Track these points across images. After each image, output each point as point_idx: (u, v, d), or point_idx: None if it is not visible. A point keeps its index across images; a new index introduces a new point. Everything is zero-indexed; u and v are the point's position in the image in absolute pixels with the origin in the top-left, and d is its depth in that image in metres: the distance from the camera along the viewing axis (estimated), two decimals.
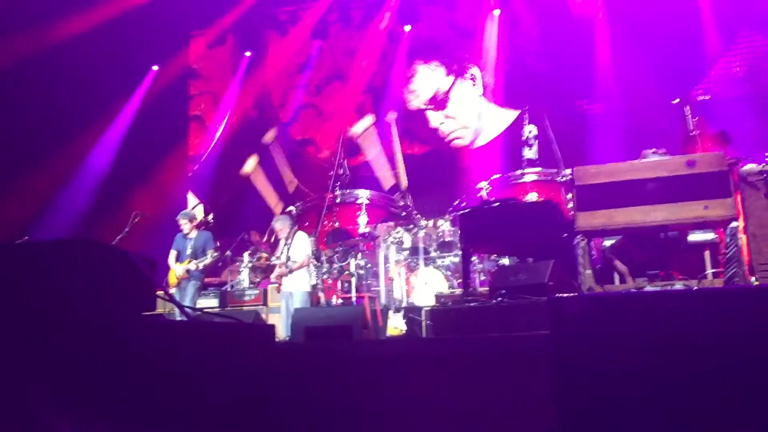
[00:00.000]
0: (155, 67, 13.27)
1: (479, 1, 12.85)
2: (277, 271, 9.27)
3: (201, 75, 14.46)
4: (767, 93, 10.55)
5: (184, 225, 9.28)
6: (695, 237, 6.45)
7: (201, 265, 9.09)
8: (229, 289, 10.59)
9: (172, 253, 9.28)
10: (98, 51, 11.32)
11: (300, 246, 9.03)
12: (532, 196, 8.58)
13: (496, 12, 12.64)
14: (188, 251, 9.16)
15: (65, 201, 11.43)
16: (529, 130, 9.09)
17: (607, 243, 6.62)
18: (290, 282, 8.92)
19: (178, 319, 7.48)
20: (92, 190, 11.94)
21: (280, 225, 9.36)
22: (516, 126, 10.75)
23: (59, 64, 10.89)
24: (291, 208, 10.84)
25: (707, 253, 6.26)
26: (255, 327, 4.13)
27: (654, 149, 6.77)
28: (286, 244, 9.02)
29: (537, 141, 9.05)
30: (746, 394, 2.36)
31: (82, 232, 11.07)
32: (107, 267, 2.56)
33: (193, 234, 9.30)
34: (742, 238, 5.13)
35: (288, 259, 8.83)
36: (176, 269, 9.11)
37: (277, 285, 9.25)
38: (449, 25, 13.40)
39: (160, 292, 2.83)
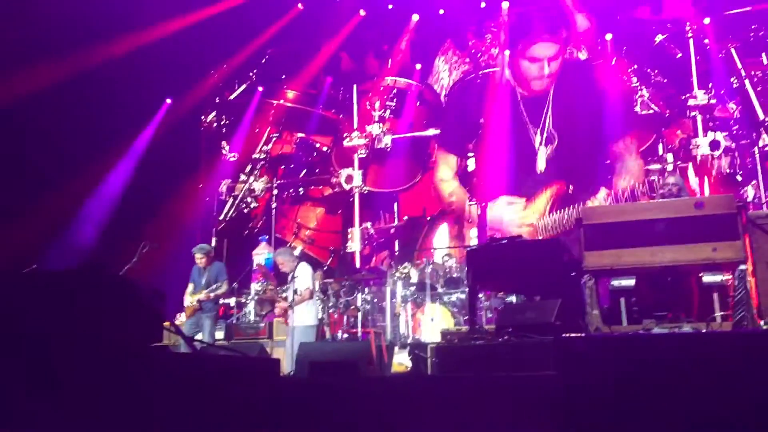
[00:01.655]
0: (168, 100, 13.43)
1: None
2: (280, 305, 9.26)
3: None
4: None
5: (201, 259, 9.37)
6: (708, 279, 6.42)
7: (212, 295, 9.14)
8: (234, 321, 10.56)
9: (189, 287, 9.39)
10: (113, 82, 11.48)
11: (302, 279, 9.02)
12: None
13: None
14: (203, 283, 9.26)
15: (75, 230, 11.50)
16: None
17: (616, 283, 6.59)
18: (294, 316, 8.91)
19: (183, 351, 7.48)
20: (102, 219, 12.01)
21: (282, 259, 9.37)
22: None
23: (74, 95, 11.03)
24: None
25: (716, 296, 6.22)
26: (259, 361, 4.12)
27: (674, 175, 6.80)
28: (291, 278, 9.03)
29: None
30: None
31: (91, 261, 11.11)
32: (114, 297, 2.58)
33: (208, 267, 9.40)
34: (751, 281, 5.10)
35: (295, 292, 8.82)
36: (188, 302, 9.19)
37: (283, 319, 9.23)
38: None
39: (166, 324, 2.84)
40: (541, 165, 11.87)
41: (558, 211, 11.49)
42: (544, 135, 11.91)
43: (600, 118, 11.59)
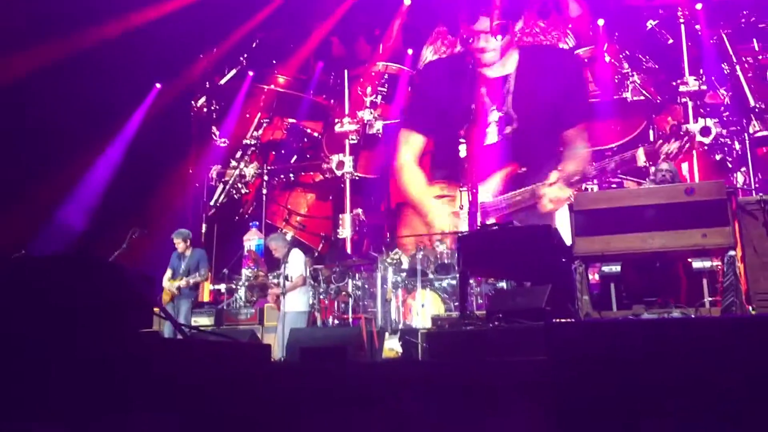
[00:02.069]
0: (158, 85, 13.33)
1: None
2: (272, 290, 9.24)
3: None
4: None
5: (179, 244, 9.30)
6: (697, 264, 6.44)
7: (192, 282, 9.10)
8: (225, 308, 10.55)
9: (168, 272, 9.30)
10: (102, 67, 11.37)
11: (294, 265, 9.00)
12: None
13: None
14: (182, 269, 9.16)
15: (64, 215, 11.43)
16: None
17: (605, 269, 6.61)
18: (285, 301, 8.89)
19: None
20: (92, 205, 11.95)
21: (275, 244, 9.31)
22: None
23: (62, 79, 10.93)
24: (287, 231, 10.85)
25: (705, 281, 6.25)
26: (250, 346, 4.12)
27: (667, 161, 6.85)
28: (283, 263, 9.00)
29: None
30: (743, 420, 2.35)
31: (81, 247, 11.05)
32: (104, 283, 2.56)
33: (188, 252, 9.30)
34: (740, 267, 5.12)
35: (286, 278, 8.81)
36: (168, 287, 9.12)
37: (275, 305, 9.21)
38: None
39: (156, 309, 2.82)
40: (491, 139, 12.05)
41: (510, 192, 11.81)
42: (500, 114, 12.13)
43: (559, 106, 11.75)
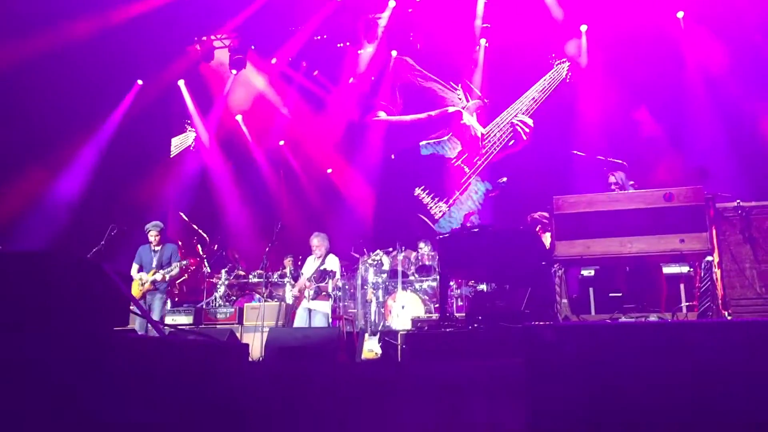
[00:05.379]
0: (140, 81, 13.23)
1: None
2: (304, 283, 9.03)
3: None
4: None
5: (155, 236, 9.14)
6: (670, 270, 6.52)
7: (168, 276, 8.97)
8: (204, 306, 10.47)
9: (135, 266, 9.16)
10: (82, 63, 11.26)
11: (333, 265, 8.97)
12: None
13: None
14: (154, 263, 9.03)
15: (43, 212, 11.30)
16: None
17: (585, 272, 6.67)
18: (316, 302, 8.83)
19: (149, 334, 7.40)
20: (71, 202, 11.82)
21: (318, 241, 9.21)
22: None
23: (42, 75, 10.81)
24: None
25: (682, 286, 6.33)
26: (228, 346, 4.09)
27: (613, 174, 6.89)
28: (321, 264, 8.95)
29: None
30: (719, 422, 2.38)
31: (58, 244, 10.93)
32: (80, 280, 2.53)
33: (158, 247, 9.18)
34: (717, 273, 5.18)
35: (327, 274, 8.79)
36: (141, 279, 8.94)
37: (297, 298, 9.08)
38: None
39: (133, 307, 2.80)
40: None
41: None
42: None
43: None
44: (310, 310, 8.82)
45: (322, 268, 8.88)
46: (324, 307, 8.88)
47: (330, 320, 8.95)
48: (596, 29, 11.93)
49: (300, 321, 8.81)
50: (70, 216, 11.62)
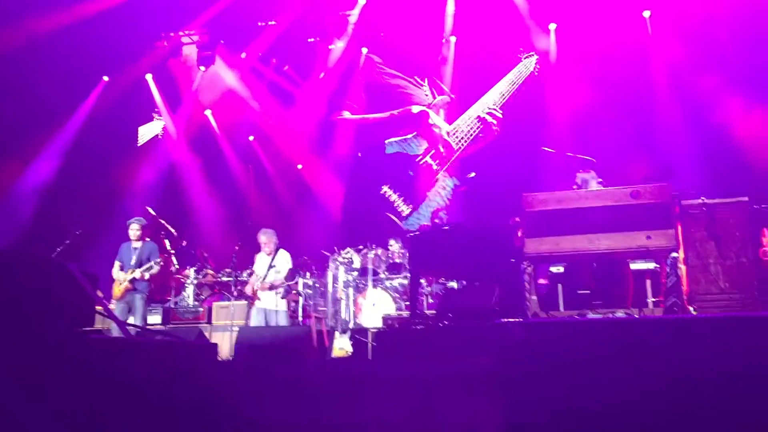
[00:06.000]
0: (105, 78, 13.03)
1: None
2: (257, 284, 8.97)
3: None
4: None
5: (136, 231, 8.90)
6: (636, 266, 6.60)
7: (147, 275, 8.71)
8: (172, 306, 10.34)
9: (116, 265, 8.92)
10: (49, 58, 11.06)
11: (284, 262, 8.91)
12: None
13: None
14: (133, 261, 8.80)
15: (5, 212, 11.06)
16: None
17: (554, 269, 6.71)
18: (274, 300, 8.78)
19: (116, 335, 7.27)
20: (35, 201, 11.61)
21: (266, 238, 9.11)
22: None
23: (7, 69, 10.60)
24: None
25: (649, 282, 6.41)
26: (197, 345, 4.05)
27: (582, 171, 6.97)
28: (272, 261, 8.89)
29: None
30: (684, 416, 2.42)
31: (23, 240, 10.72)
32: (43, 280, 2.48)
33: (138, 244, 8.96)
34: (682, 269, 5.27)
35: (271, 267, 8.75)
36: (119, 279, 8.73)
37: (251, 299, 8.99)
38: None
39: (98, 308, 2.75)
40: None
41: None
42: None
43: None
44: (266, 310, 8.76)
45: (273, 264, 8.84)
46: (282, 304, 8.85)
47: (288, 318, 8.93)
48: (564, 27, 12.01)
49: (255, 321, 8.76)
50: (35, 210, 11.41)
